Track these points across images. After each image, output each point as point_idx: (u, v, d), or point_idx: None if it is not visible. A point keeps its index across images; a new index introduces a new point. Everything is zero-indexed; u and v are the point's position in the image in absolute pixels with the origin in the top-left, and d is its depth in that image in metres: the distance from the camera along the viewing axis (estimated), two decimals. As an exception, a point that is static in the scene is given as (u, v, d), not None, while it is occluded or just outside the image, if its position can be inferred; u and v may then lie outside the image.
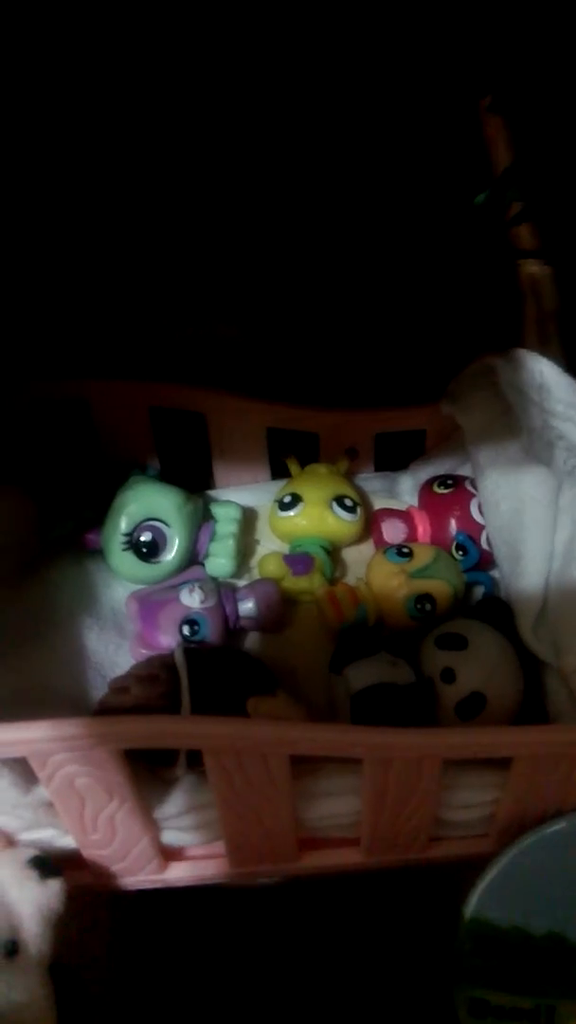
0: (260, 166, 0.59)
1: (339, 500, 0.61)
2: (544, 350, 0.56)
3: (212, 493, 0.67)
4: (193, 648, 0.51)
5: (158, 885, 0.49)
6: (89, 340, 0.64)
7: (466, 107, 0.56)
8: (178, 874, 0.49)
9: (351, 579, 0.62)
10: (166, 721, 0.43)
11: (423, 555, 0.58)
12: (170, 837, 0.48)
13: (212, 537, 0.60)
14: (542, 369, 0.53)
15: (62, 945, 0.43)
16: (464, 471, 0.65)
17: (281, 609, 0.57)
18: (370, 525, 0.63)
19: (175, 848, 0.49)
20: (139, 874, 0.48)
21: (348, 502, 0.61)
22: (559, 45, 0.53)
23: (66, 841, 0.46)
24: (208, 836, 0.48)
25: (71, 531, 0.60)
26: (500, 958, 0.46)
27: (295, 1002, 0.56)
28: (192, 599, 0.55)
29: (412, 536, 0.62)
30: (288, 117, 0.58)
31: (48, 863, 0.44)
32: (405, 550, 0.58)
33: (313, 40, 0.55)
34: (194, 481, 0.64)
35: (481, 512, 0.60)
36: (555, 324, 0.58)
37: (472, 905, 0.46)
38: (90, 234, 0.60)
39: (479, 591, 0.60)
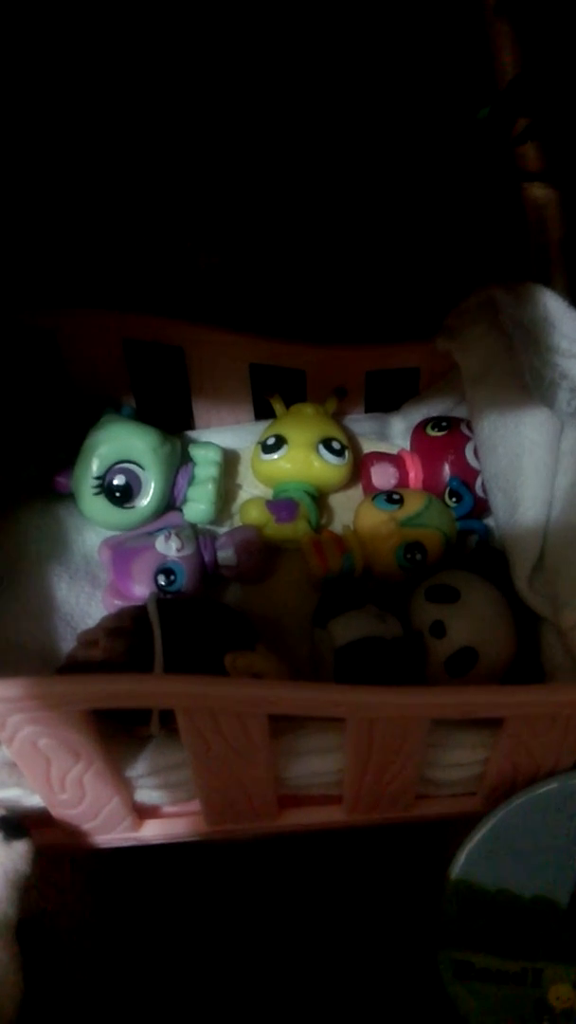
0: (249, 87, 0.56)
1: (326, 443, 0.60)
2: (549, 281, 0.53)
3: (191, 434, 0.65)
4: (168, 599, 0.50)
5: (133, 843, 0.48)
6: (58, 266, 0.61)
7: (469, 9, 0.52)
8: (153, 832, 0.48)
9: (338, 527, 0.61)
10: (132, 680, 0.41)
11: (414, 502, 0.56)
12: (144, 795, 0.46)
13: (191, 481, 0.59)
14: (547, 302, 0.51)
15: (37, 904, 0.42)
16: (460, 412, 0.63)
17: (263, 558, 0.56)
18: (359, 469, 0.62)
19: (150, 806, 0.47)
20: (112, 832, 0.47)
21: (335, 445, 0.60)
22: None
23: (34, 800, 0.45)
24: (184, 794, 0.47)
25: (40, 473, 0.58)
26: (486, 920, 0.45)
27: (277, 964, 0.56)
28: (168, 547, 0.54)
29: (403, 481, 0.60)
30: (277, 26, 0.54)
31: (14, 824, 0.42)
32: (395, 496, 0.57)
33: None
34: (172, 421, 0.63)
35: (477, 456, 0.58)
36: (561, 253, 0.55)
37: (459, 866, 0.45)
38: (63, 157, 0.57)
39: (473, 540, 0.59)
